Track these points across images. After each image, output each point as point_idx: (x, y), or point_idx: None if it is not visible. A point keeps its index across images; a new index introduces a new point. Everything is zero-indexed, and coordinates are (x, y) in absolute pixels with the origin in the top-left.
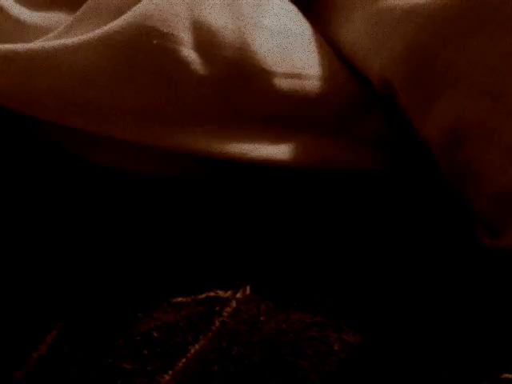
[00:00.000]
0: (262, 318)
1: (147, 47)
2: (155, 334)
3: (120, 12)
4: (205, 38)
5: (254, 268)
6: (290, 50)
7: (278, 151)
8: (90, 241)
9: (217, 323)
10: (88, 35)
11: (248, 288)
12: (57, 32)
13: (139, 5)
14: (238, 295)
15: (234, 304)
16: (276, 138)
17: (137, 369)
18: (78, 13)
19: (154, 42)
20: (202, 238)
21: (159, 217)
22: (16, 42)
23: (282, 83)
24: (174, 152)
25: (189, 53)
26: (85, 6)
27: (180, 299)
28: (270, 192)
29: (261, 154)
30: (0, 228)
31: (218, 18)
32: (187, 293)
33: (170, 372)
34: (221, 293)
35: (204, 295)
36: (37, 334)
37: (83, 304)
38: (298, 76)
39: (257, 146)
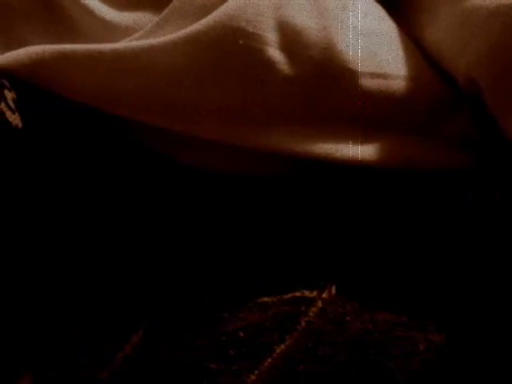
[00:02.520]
0: (347, 318)
1: (233, 47)
2: (241, 334)
3: (205, 12)
4: (290, 37)
5: (339, 268)
6: (375, 49)
7: (364, 151)
8: (175, 240)
9: (303, 323)
10: (174, 35)
11: (334, 288)
12: (142, 32)
13: (224, 5)
14: (324, 295)
15: (319, 304)
16: (361, 138)
17: (223, 369)
18: (163, 13)
19: (240, 41)
20: (287, 237)
21: (244, 216)
22: (102, 42)
23: (368, 83)
24: (258, 152)
25: (274, 52)
26: (170, 5)
27: (266, 299)
28: (351, 191)
29: (346, 154)
30: (88, 226)
31: (304, 18)
32: (273, 293)
33: (256, 372)
34: (307, 293)
35: (290, 295)
36: (123, 333)
37: (169, 304)
38: (384, 76)
39: (342, 146)
